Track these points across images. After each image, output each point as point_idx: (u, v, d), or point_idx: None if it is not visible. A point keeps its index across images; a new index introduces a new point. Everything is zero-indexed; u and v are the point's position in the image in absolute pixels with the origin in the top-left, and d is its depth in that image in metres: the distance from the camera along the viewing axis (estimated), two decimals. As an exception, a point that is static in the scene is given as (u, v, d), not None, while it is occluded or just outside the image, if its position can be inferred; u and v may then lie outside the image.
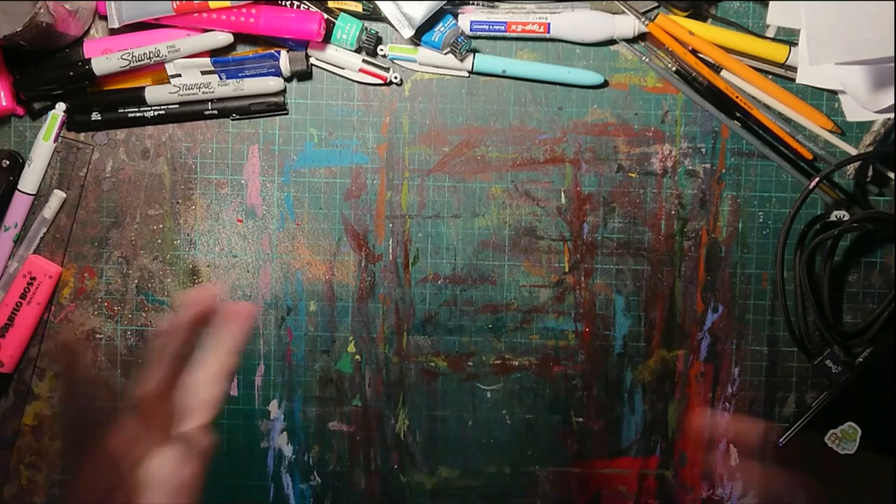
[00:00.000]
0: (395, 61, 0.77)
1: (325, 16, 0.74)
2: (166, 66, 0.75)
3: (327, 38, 0.75)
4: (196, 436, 0.56)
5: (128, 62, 0.74)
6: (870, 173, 0.77)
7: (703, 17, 0.77)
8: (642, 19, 0.75)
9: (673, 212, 0.78)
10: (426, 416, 0.80)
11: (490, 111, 0.78)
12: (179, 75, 0.76)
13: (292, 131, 0.78)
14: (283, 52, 0.75)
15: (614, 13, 0.76)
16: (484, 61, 0.76)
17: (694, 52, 0.76)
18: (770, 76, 0.76)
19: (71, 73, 0.75)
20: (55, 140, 0.77)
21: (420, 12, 0.73)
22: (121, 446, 0.53)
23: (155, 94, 0.76)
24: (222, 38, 0.74)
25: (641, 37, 0.76)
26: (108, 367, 0.79)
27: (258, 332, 0.79)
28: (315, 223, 0.78)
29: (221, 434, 0.79)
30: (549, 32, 0.75)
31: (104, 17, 0.75)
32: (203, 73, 0.76)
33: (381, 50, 0.76)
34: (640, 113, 0.77)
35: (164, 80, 0.76)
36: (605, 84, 0.77)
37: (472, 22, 0.75)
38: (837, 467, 0.73)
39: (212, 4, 0.73)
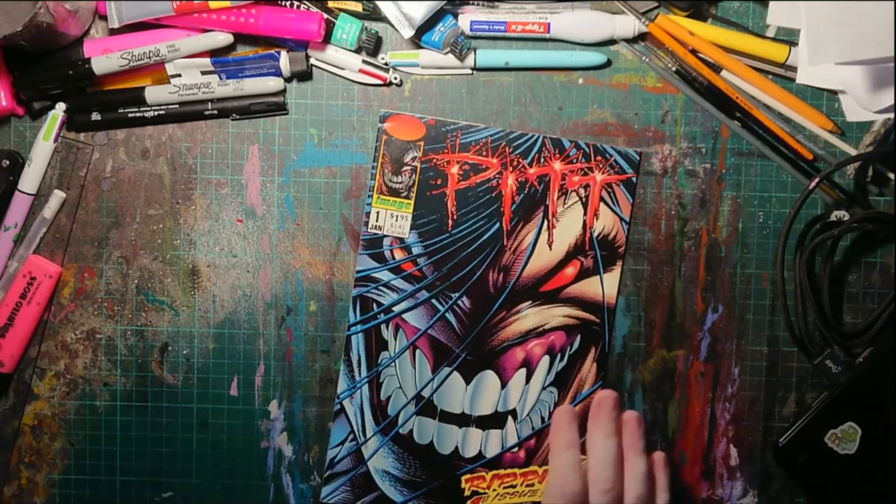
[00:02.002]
0: (398, 68, 0.77)
1: (325, 16, 0.74)
2: (166, 66, 0.75)
3: (327, 39, 0.75)
4: None
5: (128, 62, 0.74)
6: (870, 173, 0.77)
7: (703, 17, 0.77)
8: (642, 19, 0.75)
9: (673, 212, 0.78)
10: (426, 416, 0.80)
11: (490, 111, 0.78)
12: (179, 75, 0.76)
13: (292, 131, 0.78)
14: (283, 53, 0.75)
15: (614, 13, 0.76)
16: (486, 56, 0.76)
17: (694, 52, 0.76)
18: (770, 76, 0.76)
19: (71, 73, 0.75)
20: (55, 140, 0.77)
21: (420, 12, 0.73)
22: None
23: (155, 94, 0.76)
24: (222, 38, 0.74)
25: (641, 37, 0.76)
26: (108, 368, 0.79)
27: (258, 332, 0.79)
28: (315, 223, 0.78)
29: (221, 434, 0.79)
30: (549, 32, 0.75)
31: (104, 17, 0.75)
32: (203, 73, 0.76)
33: (383, 58, 0.76)
34: (640, 113, 0.77)
35: (164, 80, 0.76)
36: (608, 63, 0.76)
37: (472, 22, 0.75)
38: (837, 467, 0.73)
39: (212, 4, 0.73)
